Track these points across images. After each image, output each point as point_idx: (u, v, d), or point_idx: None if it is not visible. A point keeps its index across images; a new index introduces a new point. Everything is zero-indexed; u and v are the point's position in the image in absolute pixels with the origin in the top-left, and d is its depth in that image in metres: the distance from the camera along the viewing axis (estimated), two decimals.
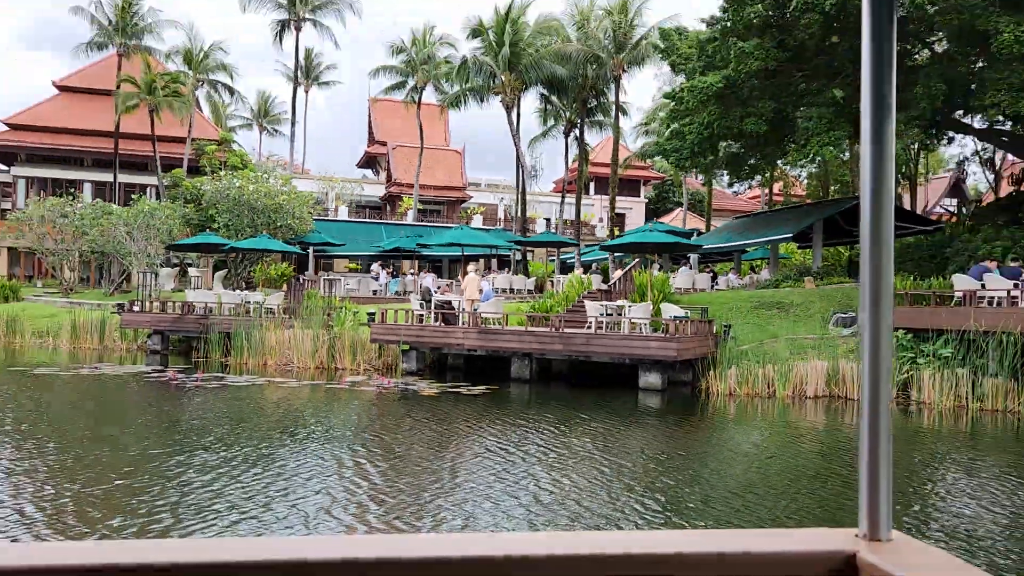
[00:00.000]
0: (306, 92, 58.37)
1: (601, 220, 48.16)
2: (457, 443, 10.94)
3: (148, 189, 42.13)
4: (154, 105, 36.66)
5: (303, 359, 19.76)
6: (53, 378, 17.00)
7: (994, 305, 15.43)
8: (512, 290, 27.96)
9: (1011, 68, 17.34)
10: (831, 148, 20.13)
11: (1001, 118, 20.29)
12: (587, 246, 36.42)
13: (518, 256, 34.89)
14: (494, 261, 34.20)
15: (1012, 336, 14.36)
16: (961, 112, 22.14)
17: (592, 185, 50.20)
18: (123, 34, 39.48)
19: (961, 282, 16.32)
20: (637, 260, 25.98)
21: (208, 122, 47.52)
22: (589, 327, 17.90)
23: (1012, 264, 16.82)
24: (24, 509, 7.00)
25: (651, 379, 16.11)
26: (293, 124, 47.03)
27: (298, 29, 45.19)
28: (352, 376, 17.99)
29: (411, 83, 40.40)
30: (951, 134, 26.08)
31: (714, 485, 8.97)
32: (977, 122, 23.34)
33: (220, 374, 17.96)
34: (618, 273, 23.23)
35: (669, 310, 18.03)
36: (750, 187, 47.14)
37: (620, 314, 17.69)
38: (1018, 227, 19.97)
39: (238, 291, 25.61)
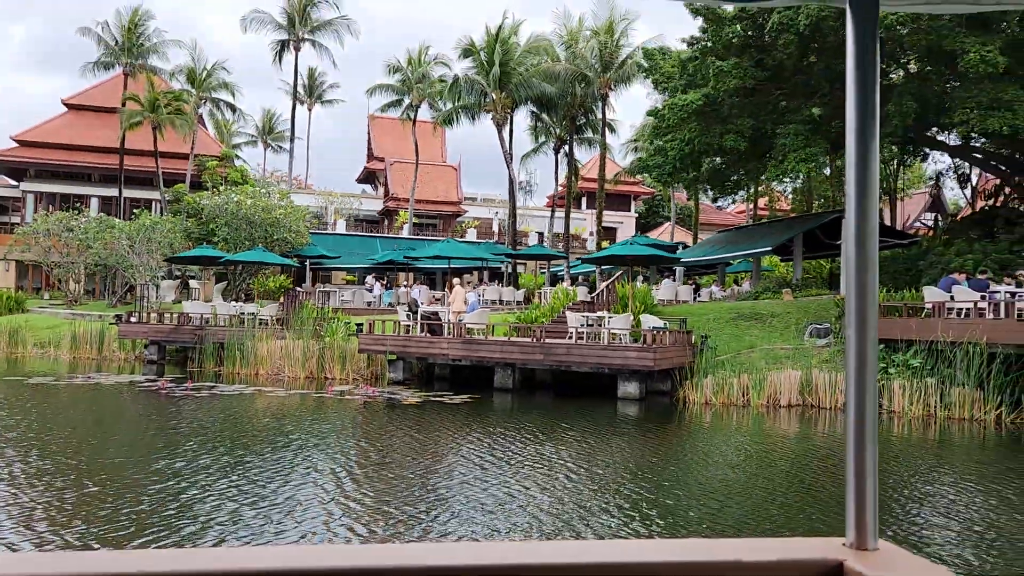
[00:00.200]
0: (309, 110, 59.49)
1: (592, 234, 48.76)
2: (433, 451, 11.15)
3: (153, 204, 42.94)
4: (157, 122, 37.51)
5: (293, 369, 20.25)
6: (47, 387, 17.48)
7: (962, 316, 15.81)
8: (501, 301, 28.50)
9: (979, 87, 17.88)
10: (807, 164, 20.68)
11: (973, 135, 20.82)
12: (577, 259, 36.97)
13: (509, 269, 35.53)
14: (486, 273, 34.86)
15: (978, 346, 14.76)
16: (936, 129, 22.69)
17: (584, 200, 50.83)
18: (129, 54, 40.49)
19: (931, 294, 16.65)
20: (621, 272, 26.49)
21: (212, 138, 48.43)
22: (570, 337, 18.36)
23: (980, 276, 17.26)
24: None
25: (630, 389, 16.39)
26: (292, 140, 48.09)
27: (297, 49, 46.22)
28: (340, 385, 18.47)
29: (407, 101, 41.24)
30: (926, 151, 26.64)
31: (690, 490, 9.25)
32: (952, 139, 23.89)
33: (212, 383, 18.45)
34: (602, 285, 23.74)
35: (648, 321, 18.37)
36: (734, 202, 47.70)
37: (600, 325, 18.15)
38: (990, 240, 20.43)
39: (235, 303, 26.19)
